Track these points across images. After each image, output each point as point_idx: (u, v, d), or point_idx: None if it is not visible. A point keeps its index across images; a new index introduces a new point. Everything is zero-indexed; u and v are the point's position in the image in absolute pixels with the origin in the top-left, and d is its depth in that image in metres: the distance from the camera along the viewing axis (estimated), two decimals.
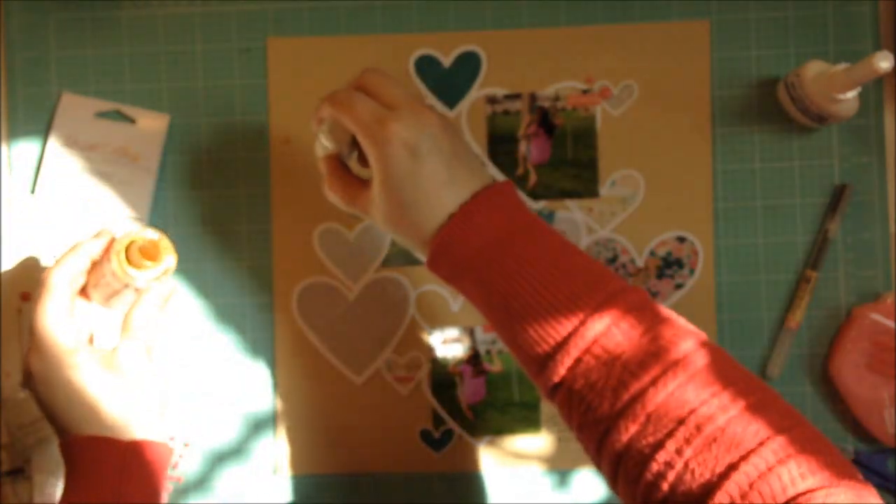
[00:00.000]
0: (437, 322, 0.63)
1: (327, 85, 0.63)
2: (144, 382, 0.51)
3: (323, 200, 0.64)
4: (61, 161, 0.63)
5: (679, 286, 0.63)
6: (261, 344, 0.63)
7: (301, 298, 0.63)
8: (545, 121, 0.63)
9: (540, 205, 0.63)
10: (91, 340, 0.53)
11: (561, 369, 0.44)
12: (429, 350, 0.63)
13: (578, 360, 0.43)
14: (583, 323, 0.43)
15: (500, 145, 0.63)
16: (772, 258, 0.62)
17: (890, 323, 0.60)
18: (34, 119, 0.64)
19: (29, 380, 0.50)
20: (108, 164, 0.63)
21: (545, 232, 0.47)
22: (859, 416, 0.60)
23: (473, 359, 0.63)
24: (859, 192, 0.62)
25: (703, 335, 0.44)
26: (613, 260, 0.63)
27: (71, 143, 0.63)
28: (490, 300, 0.46)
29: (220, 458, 0.63)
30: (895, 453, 0.61)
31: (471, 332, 0.63)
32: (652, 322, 0.44)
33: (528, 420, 0.63)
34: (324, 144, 0.52)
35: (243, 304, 0.64)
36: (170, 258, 0.51)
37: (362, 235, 0.64)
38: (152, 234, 0.51)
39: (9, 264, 0.62)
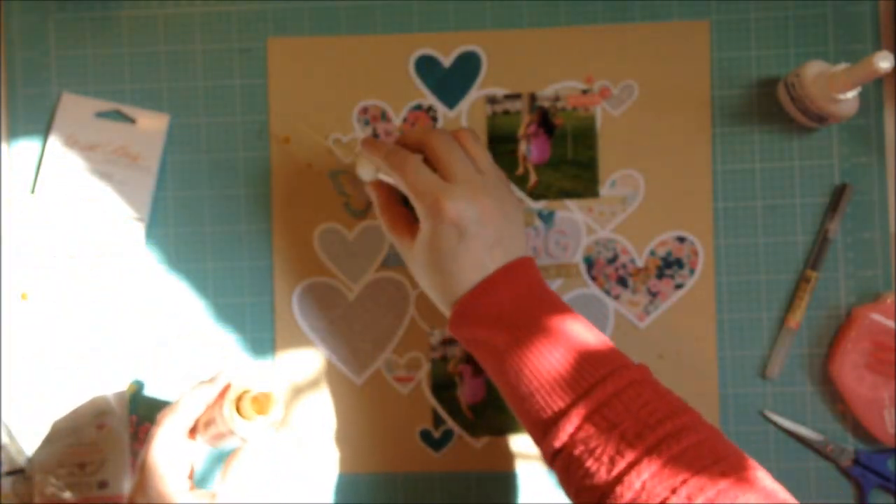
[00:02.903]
0: (437, 322, 0.63)
1: (327, 85, 0.63)
2: None
3: (323, 200, 0.64)
4: (61, 161, 0.63)
5: (679, 286, 0.63)
6: (261, 344, 0.63)
7: (301, 298, 0.63)
8: (545, 121, 0.63)
9: (540, 205, 0.63)
10: (191, 475, 0.53)
11: (563, 435, 0.47)
12: (429, 350, 0.63)
13: (579, 428, 0.46)
14: (587, 392, 0.47)
15: (500, 145, 0.63)
16: (772, 258, 0.62)
17: (890, 323, 0.60)
18: (34, 119, 0.64)
19: None
20: (108, 164, 0.63)
21: (557, 306, 0.50)
22: (859, 416, 0.60)
23: (473, 359, 0.63)
24: (859, 192, 0.62)
25: (696, 412, 0.47)
26: (613, 260, 0.63)
27: (71, 143, 0.63)
28: (501, 367, 0.50)
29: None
30: (895, 453, 0.61)
31: None
32: (651, 396, 0.47)
33: None
34: (371, 171, 0.56)
35: (243, 304, 0.64)
36: (278, 412, 0.51)
37: (362, 235, 0.64)
38: (265, 387, 0.51)
39: (8, 264, 0.62)
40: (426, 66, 0.64)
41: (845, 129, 0.62)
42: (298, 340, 0.63)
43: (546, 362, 0.48)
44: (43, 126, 0.64)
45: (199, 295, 0.64)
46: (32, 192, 0.63)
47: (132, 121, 0.64)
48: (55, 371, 0.62)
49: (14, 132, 0.64)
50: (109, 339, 0.63)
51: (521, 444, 0.63)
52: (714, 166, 0.63)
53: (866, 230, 0.62)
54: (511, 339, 0.49)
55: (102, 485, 0.62)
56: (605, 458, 0.45)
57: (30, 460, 0.62)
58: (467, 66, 0.63)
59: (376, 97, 0.64)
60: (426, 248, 0.52)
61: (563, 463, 0.47)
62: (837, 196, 0.62)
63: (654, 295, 0.63)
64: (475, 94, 0.63)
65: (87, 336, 0.63)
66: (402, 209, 0.56)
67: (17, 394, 0.62)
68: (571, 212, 0.63)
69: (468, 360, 0.63)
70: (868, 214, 0.62)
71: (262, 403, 0.51)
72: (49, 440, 0.62)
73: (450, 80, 0.64)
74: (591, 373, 0.47)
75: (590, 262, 0.63)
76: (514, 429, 0.63)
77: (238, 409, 0.51)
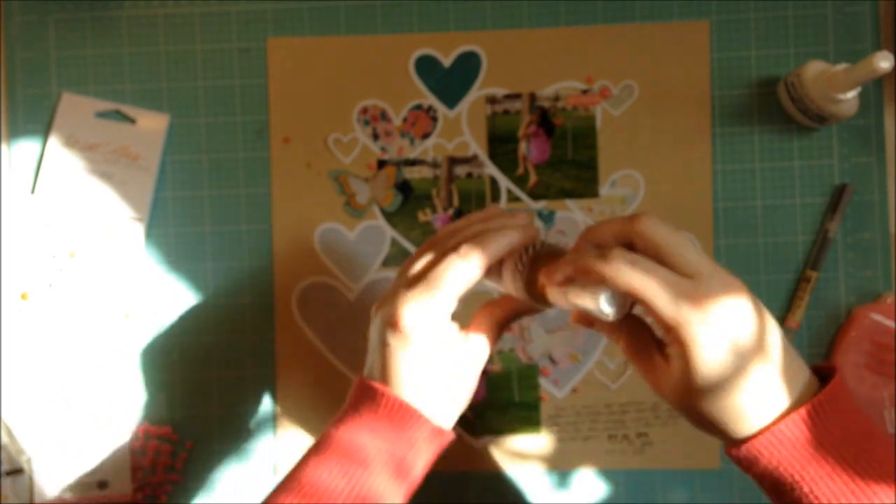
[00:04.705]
0: None
1: (327, 85, 0.63)
2: (470, 378, 0.47)
3: (323, 200, 0.64)
4: (61, 161, 0.63)
5: None
6: (261, 344, 0.63)
7: (301, 298, 0.63)
8: (545, 121, 0.63)
9: (540, 205, 0.63)
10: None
11: None
12: None
13: None
14: None
15: (500, 145, 0.63)
16: (772, 258, 0.62)
17: (890, 323, 0.60)
18: (34, 119, 0.64)
19: (391, 325, 0.45)
20: (108, 164, 0.63)
21: (879, 454, 0.39)
22: None
23: None
24: (859, 192, 0.62)
25: None
26: None
27: (71, 143, 0.63)
28: None
29: (220, 458, 0.63)
30: None
31: None
32: None
33: (528, 420, 0.63)
34: (599, 307, 0.41)
35: (243, 304, 0.64)
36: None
37: (362, 235, 0.64)
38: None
39: (8, 264, 0.62)
40: (426, 66, 0.64)
41: (845, 129, 0.62)
42: (298, 340, 0.63)
43: None
44: (43, 126, 0.64)
45: (199, 295, 0.64)
46: (32, 192, 0.63)
47: (132, 121, 0.64)
48: (55, 371, 0.62)
49: (14, 132, 0.64)
50: (109, 338, 0.63)
51: (522, 444, 0.63)
52: (714, 166, 0.63)
53: (866, 230, 0.62)
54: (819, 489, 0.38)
55: (102, 485, 0.62)
56: None
57: (30, 460, 0.62)
58: (467, 66, 0.63)
59: (376, 97, 0.64)
60: (691, 386, 0.39)
61: None
62: (837, 196, 0.62)
63: None
64: (475, 94, 0.63)
65: (86, 336, 0.63)
66: (650, 340, 0.43)
67: (17, 394, 0.62)
68: (571, 212, 0.63)
69: None
70: (868, 214, 0.62)
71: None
72: (49, 440, 0.62)
73: (450, 80, 0.64)
74: None
75: None
76: (514, 429, 0.63)
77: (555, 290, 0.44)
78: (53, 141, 0.63)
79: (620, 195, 0.63)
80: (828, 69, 0.57)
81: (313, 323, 0.63)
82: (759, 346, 0.39)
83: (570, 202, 0.63)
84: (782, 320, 0.62)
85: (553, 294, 0.44)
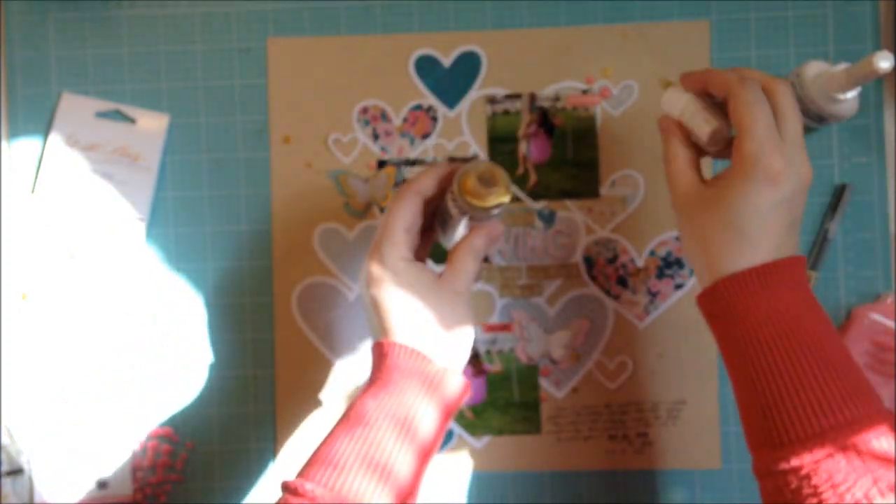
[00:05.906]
0: None
1: (327, 85, 0.63)
2: (458, 314, 0.52)
3: (323, 200, 0.64)
4: (61, 161, 0.63)
5: (679, 286, 0.63)
6: (261, 344, 0.63)
7: (301, 298, 0.63)
8: (545, 121, 0.63)
9: (540, 205, 0.63)
10: (423, 258, 0.56)
11: (807, 457, 0.43)
12: None
13: (832, 455, 0.42)
14: (854, 421, 0.43)
15: (500, 145, 0.63)
16: None
17: (890, 323, 0.60)
18: (34, 119, 0.64)
19: (368, 281, 0.52)
20: (108, 164, 0.63)
21: (823, 320, 0.47)
22: None
23: (473, 359, 0.63)
24: (859, 192, 0.62)
25: None
26: (613, 260, 0.63)
27: (71, 142, 0.63)
28: (754, 358, 0.46)
29: (220, 458, 0.63)
30: None
31: None
32: None
33: (528, 420, 0.63)
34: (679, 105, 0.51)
35: (243, 304, 0.64)
36: (505, 195, 0.50)
37: (362, 235, 0.64)
38: (490, 166, 0.50)
39: (8, 264, 0.62)
40: (426, 66, 0.64)
41: (845, 129, 0.62)
42: (298, 340, 0.63)
43: (807, 375, 0.44)
44: (43, 126, 0.64)
45: (199, 295, 0.64)
46: (32, 192, 0.63)
47: (132, 121, 0.64)
48: (55, 371, 0.62)
49: (14, 132, 0.64)
50: (109, 338, 0.63)
51: (522, 444, 0.63)
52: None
53: (866, 230, 0.62)
54: (776, 335, 0.46)
55: (102, 485, 0.62)
56: (848, 497, 0.41)
57: (30, 460, 0.62)
58: (467, 66, 0.63)
59: (376, 97, 0.64)
60: (722, 203, 0.47)
61: (785, 482, 0.44)
62: (837, 196, 0.62)
63: (654, 295, 0.63)
64: (475, 94, 0.63)
65: (86, 336, 0.63)
66: (694, 152, 0.51)
67: (17, 394, 0.62)
68: (571, 212, 0.63)
69: (468, 360, 0.63)
70: (868, 214, 0.62)
71: (488, 182, 0.50)
72: (49, 440, 0.62)
73: (450, 80, 0.64)
74: (857, 403, 0.44)
75: (590, 262, 0.63)
76: (514, 429, 0.63)
77: (466, 190, 0.50)
78: (53, 141, 0.63)
79: (620, 195, 0.63)
80: (828, 69, 0.57)
81: (313, 323, 0.63)
82: (783, 218, 0.47)
83: (570, 202, 0.63)
84: None
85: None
